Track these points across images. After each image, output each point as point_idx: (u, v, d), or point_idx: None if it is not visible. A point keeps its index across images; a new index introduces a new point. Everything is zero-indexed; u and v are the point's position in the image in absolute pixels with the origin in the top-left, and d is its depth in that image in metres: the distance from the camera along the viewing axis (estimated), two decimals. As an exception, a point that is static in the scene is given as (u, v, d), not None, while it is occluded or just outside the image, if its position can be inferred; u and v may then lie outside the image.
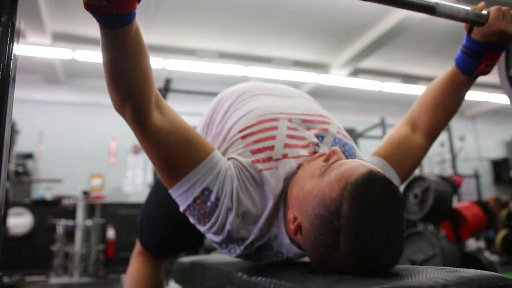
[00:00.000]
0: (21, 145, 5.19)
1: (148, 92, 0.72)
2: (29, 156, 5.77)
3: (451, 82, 0.96)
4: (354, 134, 5.38)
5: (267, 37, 5.39)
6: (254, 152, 0.81)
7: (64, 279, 4.58)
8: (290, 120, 0.87)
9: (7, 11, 0.49)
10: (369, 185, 0.61)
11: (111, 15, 0.59)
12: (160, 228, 1.20)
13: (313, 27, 5.11)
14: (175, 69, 5.51)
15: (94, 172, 6.19)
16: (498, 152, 8.91)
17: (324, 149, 0.86)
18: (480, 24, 0.87)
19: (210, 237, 0.83)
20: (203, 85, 6.32)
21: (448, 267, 0.61)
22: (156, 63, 5.28)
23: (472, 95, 6.61)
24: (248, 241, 0.79)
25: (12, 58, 0.49)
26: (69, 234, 4.84)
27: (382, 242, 0.59)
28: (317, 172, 0.70)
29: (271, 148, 0.81)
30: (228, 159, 0.81)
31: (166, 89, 3.94)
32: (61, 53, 5.13)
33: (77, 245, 4.76)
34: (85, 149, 6.13)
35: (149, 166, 5.29)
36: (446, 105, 0.97)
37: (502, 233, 5.16)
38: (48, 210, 5.06)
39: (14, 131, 4.28)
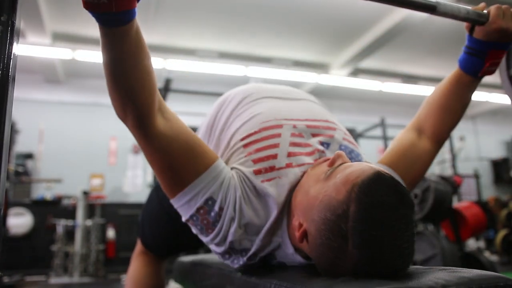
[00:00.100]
0: (21, 145, 5.20)
1: (150, 95, 0.71)
2: (29, 156, 5.77)
3: (456, 83, 0.94)
4: (354, 134, 5.37)
5: (267, 37, 5.39)
6: (256, 161, 0.78)
7: (64, 279, 4.58)
8: (294, 127, 0.85)
9: (7, 11, 0.49)
10: (376, 186, 0.59)
11: (110, 13, 0.58)
12: (161, 228, 1.19)
13: (313, 27, 5.11)
14: (175, 69, 5.51)
15: (94, 172, 6.19)
16: (498, 152, 8.91)
17: (329, 156, 0.83)
18: (481, 23, 0.87)
19: (213, 248, 0.81)
20: (203, 85, 6.33)
21: (448, 267, 0.60)
22: (156, 63, 5.28)
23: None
24: (251, 252, 0.77)
25: (11, 57, 0.49)
26: (69, 234, 4.84)
27: (391, 244, 0.57)
28: (322, 176, 0.68)
29: (274, 157, 0.79)
30: (231, 168, 0.80)
31: (166, 89, 3.94)
32: (61, 53, 5.13)
33: (77, 245, 4.76)
34: (85, 149, 6.13)
35: (149, 166, 5.29)
36: (452, 108, 0.95)
37: (502, 233, 5.17)
38: (48, 210, 5.07)
39: (14, 131, 4.28)
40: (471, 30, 0.90)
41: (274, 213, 0.75)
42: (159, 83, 1.83)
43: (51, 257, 4.70)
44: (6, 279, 4.04)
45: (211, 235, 0.77)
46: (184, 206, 0.77)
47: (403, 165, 0.91)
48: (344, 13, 4.76)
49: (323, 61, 6.21)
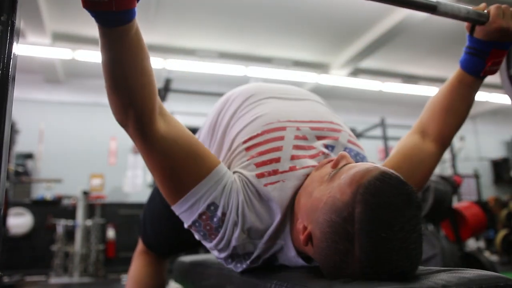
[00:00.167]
0: (21, 145, 5.20)
1: (150, 96, 0.70)
2: (29, 156, 5.77)
3: (459, 84, 0.93)
4: (354, 134, 5.37)
5: (267, 37, 5.40)
6: (258, 165, 0.77)
7: (64, 279, 4.58)
8: (298, 129, 0.83)
9: (7, 10, 0.49)
10: (382, 186, 0.58)
11: (110, 13, 0.58)
12: (163, 226, 1.18)
13: (313, 27, 5.11)
14: (175, 69, 5.51)
15: (94, 172, 6.20)
16: (498, 152, 8.92)
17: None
18: (482, 23, 0.87)
19: (216, 254, 0.80)
20: (203, 85, 6.33)
21: (448, 268, 0.60)
22: (156, 63, 5.28)
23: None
24: (254, 256, 0.77)
25: (11, 57, 0.49)
26: (69, 234, 4.84)
27: (398, 245, 0.55)
28: (326, 178, 0.67)
29: (277, 160, 0.77)
30: (233, 172, 0.78)
31: (166, 89, 3.93)
32: (61, 53, 5.13)
33: (77, 245, 4.76)
34: (85, 149, 6.13)
35: (149, 166, 5.28)
36: (456, 109, 0.94)
37: (502, 233, 5.17)
38: (48, 210, 5.06)
39: (14, 131, 4.28)
40: (471, 30, 0.90)
41: (277, 217, 0.74)
42: (159, 83, 1.83)
43: (51, 257, 4.70)
44: (6, 279, 4.04)
45: (215, 241, 0.76)
46: (186, 213, 0.76)
47: (407, 168, 0.88)
48: (344, 13, 4.76)
49: (323, 61, 6.21)
